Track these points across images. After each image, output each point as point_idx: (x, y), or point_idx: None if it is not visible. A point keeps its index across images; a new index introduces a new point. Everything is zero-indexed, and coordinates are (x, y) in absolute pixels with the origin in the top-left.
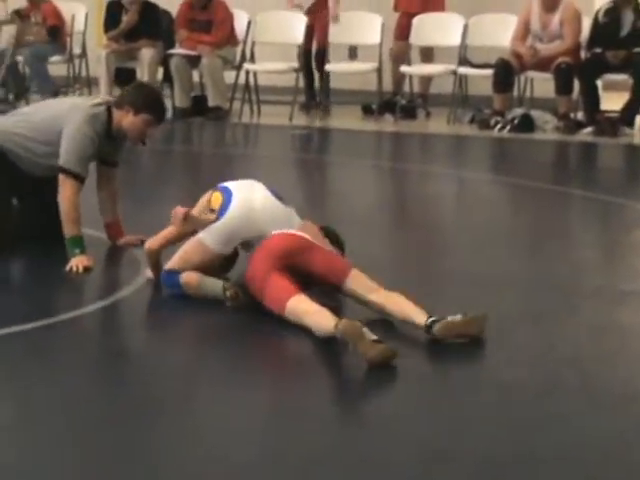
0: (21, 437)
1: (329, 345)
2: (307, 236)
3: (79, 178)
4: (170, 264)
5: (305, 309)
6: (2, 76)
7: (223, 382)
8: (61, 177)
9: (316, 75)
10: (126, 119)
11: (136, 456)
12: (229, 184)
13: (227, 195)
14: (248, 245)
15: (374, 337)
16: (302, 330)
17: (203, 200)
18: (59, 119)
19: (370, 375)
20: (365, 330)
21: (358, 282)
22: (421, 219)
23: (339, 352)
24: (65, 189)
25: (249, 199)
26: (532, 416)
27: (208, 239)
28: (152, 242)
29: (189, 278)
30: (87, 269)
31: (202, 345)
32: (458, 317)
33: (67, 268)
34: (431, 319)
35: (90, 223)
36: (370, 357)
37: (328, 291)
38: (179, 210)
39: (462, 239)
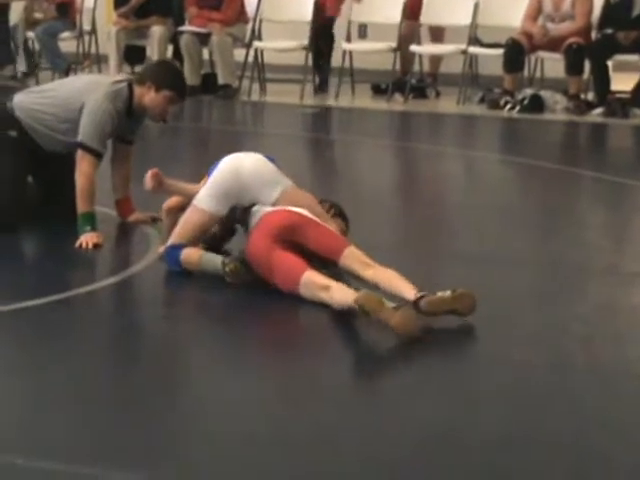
0: (33, 415)
1: (338, 322)
2: (304, 212)
3: (97, 154)
4: (172, 239)
5: (321, 283)
6: (13, 52)
7: (234, 358)
8: (79, 152)
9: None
10: (148, 96)
11: (148, 431)
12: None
13: (218, 162)
14: (244, 218)
15: (393, 304)
16: (311, 307)
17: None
18: (80, 95)
19: (379, 355)
20: (384, 299)
21: (353, 259)
22: (430, 198)
23: (349, 329)
24: (82, 165)
25: (238, 157)
26: (542, 395)
27: (200, 201)
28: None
29: (189, 254)
30: (97, 246)
31: (212, 321)
32: (447, 293)
33: (77, 244)
34: (420, 294)
35: (101, 200)
36: (395, 323)
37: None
38: (149, 174)
39: (471, 218)
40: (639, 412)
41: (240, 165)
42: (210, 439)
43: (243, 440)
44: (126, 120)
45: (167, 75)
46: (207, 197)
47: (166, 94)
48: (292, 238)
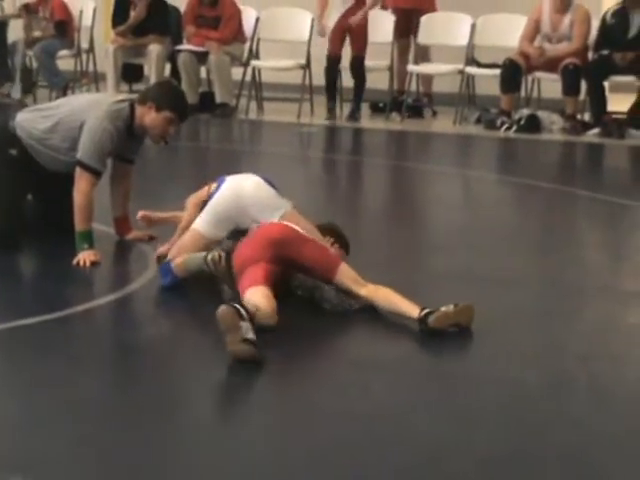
0: (32, 432)
1: (334, 335)
2: (299, 229)
3: (96, 173)
4: (169, 256)
5: (253, 303)
6: (10, 70)
7: (234, 378)
8: (78, 170)
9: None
10: (148, 116)
11: (146, 450)
12: (228, 176)
13: (220, 182)
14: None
15: (250, 336)
16: (310, 322)
17: (202, 191)
18: (81, 113)
19: (372, 369)
20: (245, 325)
21: (347, 277)
22: (426, 218)
23: (343, 342)
24: (81, 183)
25: (239, 182)
26: (537, 414)
27: (199, 224)
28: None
29: (177, 259)
30: (94, 264)
31: (211, 339)
32: (451, 307)
33: (74, 262)
34: (425, 311)
35: (99, 217)
36: (231, 350)
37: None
38: (139, 215)
39: (468, 238)
40: (637, 431)
41: (240, 189)
42: (202, 454)
43: (245, 467)
44: (127, 139)
45: (168, 96)
46: (205, 222)
47: (166, 115)
48: (284, 252)
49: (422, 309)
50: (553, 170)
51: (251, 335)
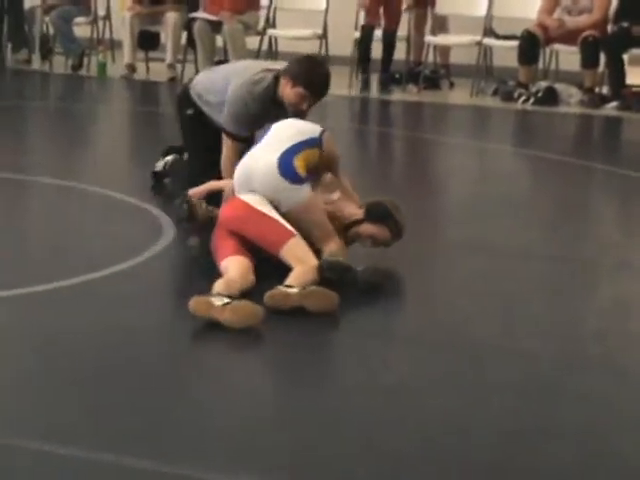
0: (48, 400)
1: (342, 314)
2: (254, 205)
3: (234, 137)
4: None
5: (227, 275)
6: (27, 36)
7: (254, 346)
8: (223, 136)
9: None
10: (285, 89)
11: (159, 419)
12: (276, 125)
13: (263, 133)
14: None
15: (225, 300)
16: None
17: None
18: (230, 78)
19: (386, 344)
20: (213, 298)
21: (292, 254)
22: (441, 189)
23: (353, 321)
24: (225, 148)
25: (252, 168)
26: (552, 389)
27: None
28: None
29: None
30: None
31: None
32: (295, 290)
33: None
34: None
35: (115, 185)
36: (224, 319)
37: None
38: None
39: (482, 210)
40: None
41: (253, 177)
42: (214, 423)
43: (247, 426)
44: (275, 109)
45: (302, 72)
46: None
47: (299, 91)
48: (232, 228)
49: (288, 286)
50: (570, 143)
51: (225, 299)
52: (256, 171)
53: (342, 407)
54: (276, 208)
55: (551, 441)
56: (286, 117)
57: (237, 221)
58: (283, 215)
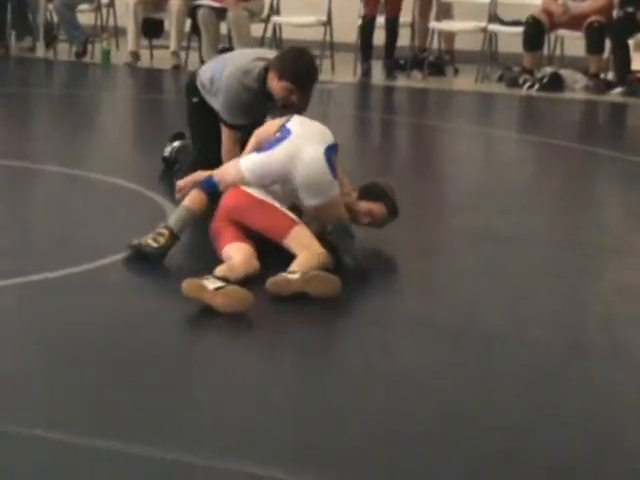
0: (53, 388)
1: (349, 300)
2: (256, 194)
3: (232, 127)
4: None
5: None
6: (31, 24)
7: (258, 331)
8: (221, 125)
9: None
10: (272, 82)
11: (165, 406)
12: (296, 123)
13: (285, 133)
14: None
15: (218, 284)
16: (343, 281)
17: (271, 127)
18: (225, 65)
19: (392, 332)
20: (206, 281)
21: (298, 242)
22: (446, 176)
23: (360, 308)
24: (223, 137)
25: (299, 150)
26: (559, 377)
27: (245, 166)
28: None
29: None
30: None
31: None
32: (297, 275)
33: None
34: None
35: (119, 172)
36: (217, 303)
37: None
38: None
39: (488, 197)
40: None
41: (294, 164)
42: (223, 412)
43: (251, 414)
44: (266, 99)
45: (288, 66)
46: (250, 170)
47: (285, 85)
48: (235, 218)
49: (291, 272)
50: (575, 129)
51: (219, 283)
52: (303, 157)
53: (345, 396)
54: (309, 197)
55: (557, 428)
56: (276, 108)
57: (240, 210)
58: (313, 207)
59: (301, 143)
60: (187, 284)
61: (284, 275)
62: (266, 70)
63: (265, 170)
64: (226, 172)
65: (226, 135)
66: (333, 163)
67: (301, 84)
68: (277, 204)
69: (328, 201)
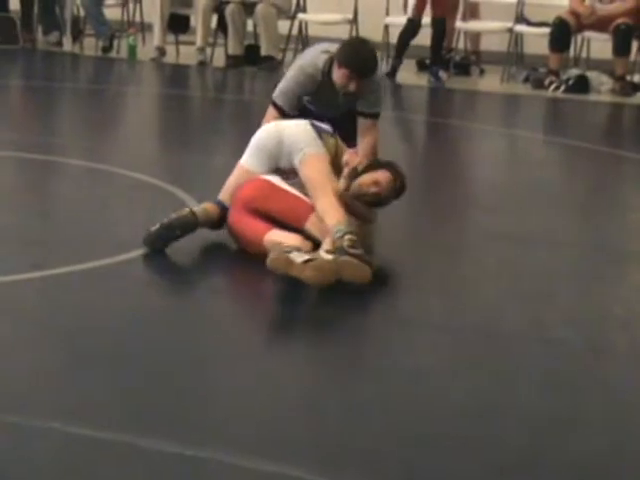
0: (70, 381)
1: (366, 295)
2: (273, 181)
3: (278, 108)
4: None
5: (276, 241)
6: (58, 19)
7: (282, 327)
8: (269, 106)
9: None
10: (334, 71)
11: (179, 400)
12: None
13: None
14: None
15: (306, 257)
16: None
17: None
18: (302, 55)
19: (412, 329)
20: (293, 255)
21: (316, 227)
22: (472, 177)
23: (378, 303)
24: (267, 115)
25: (286, 121)
26: (579, 376)
27: (243, 157)
28: None
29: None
30: None
31: (248, 293)
32: (329, 257)
33: None
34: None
35: (142, 168)
36: (305, 277)
37: None
38: None
39: (513, 198)
40: None
41: (283, 126)
42: (240, 408)
43: (272, 411)
44: (329, 88)
45: (346, 54)
46: (247, 155)
47: (344, 72)
48: (255, 207)
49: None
50: (601, 132)
51: (306, 256)
52: (287, 125)
53: (366, 395)
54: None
55: (578, 429)
56: (337, 96)
57: (260, 199)
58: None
59: (281, 122)
60: (272, 260)
61: (319, 253)
62: (331, 62)
63: (258, 148)
64: (231, 178)
65: (269, 113)
66: (323, 123)
67: (359, 72)
68: (296, 191)
69: (307, 155)
